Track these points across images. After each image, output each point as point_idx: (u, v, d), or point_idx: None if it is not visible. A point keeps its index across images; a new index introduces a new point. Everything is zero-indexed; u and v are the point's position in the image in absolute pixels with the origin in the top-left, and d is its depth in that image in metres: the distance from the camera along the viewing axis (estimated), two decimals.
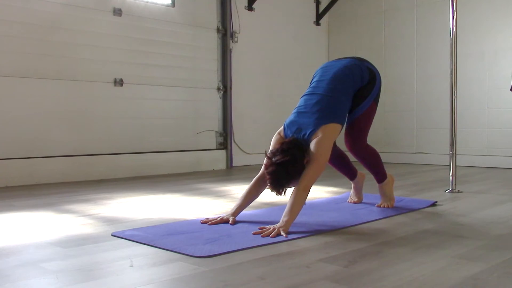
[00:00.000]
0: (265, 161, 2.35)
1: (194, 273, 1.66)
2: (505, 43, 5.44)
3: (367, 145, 2.83)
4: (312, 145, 2.36)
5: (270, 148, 2.44)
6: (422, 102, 6.08)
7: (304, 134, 2.41)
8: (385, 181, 2.96)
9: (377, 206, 2.96)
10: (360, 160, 2.85)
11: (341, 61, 2.75)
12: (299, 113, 2.51)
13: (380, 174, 2.93)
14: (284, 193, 2.34)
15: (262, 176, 2.46)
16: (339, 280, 1.58)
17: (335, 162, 2.97)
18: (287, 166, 2.27)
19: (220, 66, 5.71)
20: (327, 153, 2.39)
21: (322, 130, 2.39)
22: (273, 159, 2.30)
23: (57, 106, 4.45)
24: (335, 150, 2.90)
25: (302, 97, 2.62)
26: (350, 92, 2.62)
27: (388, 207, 2.93)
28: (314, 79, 2.69)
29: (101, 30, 4.72)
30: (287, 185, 2.32)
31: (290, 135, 2.45)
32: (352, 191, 3.17)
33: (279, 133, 2.53)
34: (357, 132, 2.75)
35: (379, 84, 2.76)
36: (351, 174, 3.08)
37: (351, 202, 3.13)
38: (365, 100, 2.69)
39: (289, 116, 2.55)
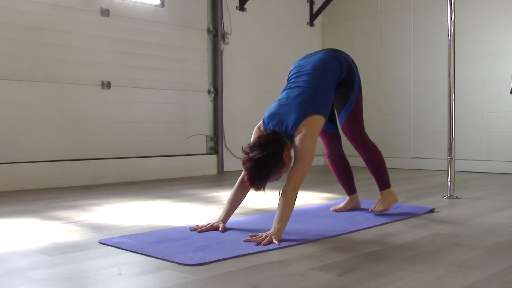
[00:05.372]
0: (242, 156, 2.28)
1: (184, 281, 1.65)
2: (505, 44, 5.39)
3: (367, 135, 2.84)
4: (297, 142, 2.32)
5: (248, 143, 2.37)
6: (419, 105, 6.02)
7: (287, 127, 2.35)
8: (388, 190, 2.89)
9: (371, 211, 2.87)
10: (363, 153, 2.83)
11: (316, 55, 2.71)
12: (280, 106, 2.46)
13: (383, 179, 2.88)
14: (263, 189, 2.27)
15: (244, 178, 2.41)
16: None
17: (336, 167, 2.98)
18: (265, 161, 2.22)
19: (211, 68, 5.66)
20: (312, 149, 2.35)
21: (305, 125, 2.35)
22: (250, 154, 2.23)
23: (42, 109, 4.39)
24: (340, 158, 2.96)
25: (282, 91, 2.58)
26: (332, 83, 2.60)
27: (381, 211, 2.83)
28: (292, 76, 2.64)
29: (88, 31, 4.67)
30: (266, 180, 2.26)
31: (271, 128, 2.39)
32: (344, 202, 3.08)
33: (258, 127, 2.49)
34: (354, 125, 2.79)
35: (358, 74, 2.78)
36: (349, 187, 3.04)
37: (334, 210, 3.03)
38: (351, 94, 2.73)
39: (269, 108, 2.48)
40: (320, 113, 2.42)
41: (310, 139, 2.33)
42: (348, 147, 2.99)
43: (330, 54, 2.68)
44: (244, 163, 2.25)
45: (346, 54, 2.79)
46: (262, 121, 2.49)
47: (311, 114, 2.38)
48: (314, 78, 2.53)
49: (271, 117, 2.43)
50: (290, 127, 2.34)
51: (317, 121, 2.41)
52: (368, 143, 2.84)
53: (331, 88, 2.58)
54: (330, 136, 2.91)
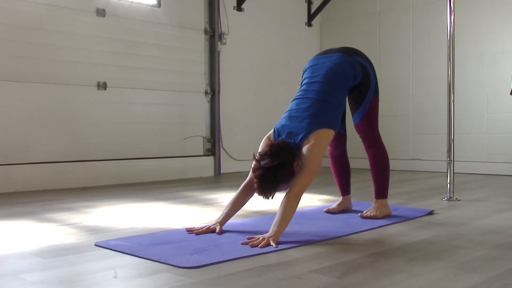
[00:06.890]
0: (253, 164, 2.29)
1: (180, 284, 1.64)
2: (505, 45, 5.36)
3: (380, 137, 2.85)
4: (304, 151, 2.33)
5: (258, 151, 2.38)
6: (418, 107, 5.99)
7: (296, 139, 2.37)
8: (384, 201, 2.84)
9: (361, 216, 2.81)
10: (371, 154, 2.82)
11: (331, 57, 2.68)
12: (290, 117, 2.47)
13: (382, 186, 2.85)
14: (272, 197, 2.27)
15: (250, 182, 2.42)
16: None
17: (336, 165, 2.99)
18: (276, 170, 2.23)
19: (208, 69, 5.62)
20: (319, 159, 2.36)
21: (315, 136, 2.36)
22: (261, 162, 2.24)
23: (37, 111, 4.35)
24: (343, 157, 2.98)
25: (293, 100, 2.60)
26: (343, 93, 2.62)
27: (372, 217, 2.77)
28: (305, 81, 2.65)
29: (84, 31, 4.63)
30: (275, 189, 2.27)
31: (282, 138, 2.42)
32: (337, 203, 3.05)
33: (268, 137, 2.49)
34: (368, 126, 2.81)
35: (374, 77, 2.76)
36: (345, 187, 3.03)
37: (327, 211, 2.99)
38: (365, 98, 2.73)
39: (280, 120, 2.51)
40: (330, 126, 2.46)
41: (317, 149, 2.35)
42: (352, 149, 2.96)
43: (344, 59, 2.66)
44: (254, 170, 2.26)
45: (362, 56, 2.76)
46: (272, 131, 2.50)
47: (321, 127, 2.41)
48: (325, 89, 2.54)
49: (281, 129, 2.46)
50: (299, 139, 2.37)
51: (326, 134, 2.44)
52: (379, 145, 2.85)
53: (342, 98, 2.61)
54: (337, 134, 2.91)
